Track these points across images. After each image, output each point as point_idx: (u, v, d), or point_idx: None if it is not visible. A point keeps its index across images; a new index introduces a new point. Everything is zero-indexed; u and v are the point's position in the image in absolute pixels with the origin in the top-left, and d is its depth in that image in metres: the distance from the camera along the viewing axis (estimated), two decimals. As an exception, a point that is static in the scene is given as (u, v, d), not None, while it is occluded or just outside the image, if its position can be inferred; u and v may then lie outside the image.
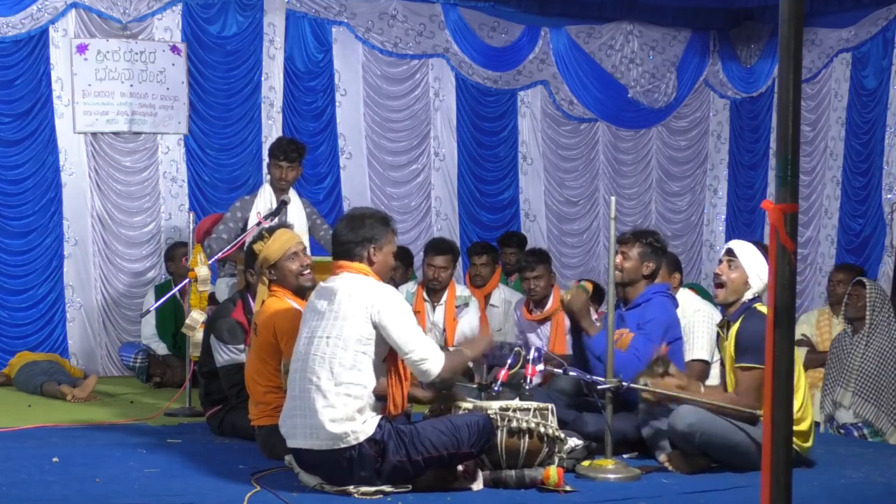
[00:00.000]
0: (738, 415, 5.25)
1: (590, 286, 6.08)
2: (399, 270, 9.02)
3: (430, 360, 4.73)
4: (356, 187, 10.26)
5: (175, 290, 8.02)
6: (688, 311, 6.27)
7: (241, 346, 6.17)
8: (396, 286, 8.44)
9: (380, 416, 4.71)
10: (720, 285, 5.41)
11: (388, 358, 4.82)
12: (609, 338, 5.29)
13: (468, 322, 8.29)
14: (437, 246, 8.37)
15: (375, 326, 4.69)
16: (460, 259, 9.42)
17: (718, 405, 5.27)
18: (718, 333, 5.62)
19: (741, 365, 5.29)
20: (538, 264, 7.78)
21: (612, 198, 5.51)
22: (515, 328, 8.23)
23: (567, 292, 5.94)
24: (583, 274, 10.49)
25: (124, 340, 9.25)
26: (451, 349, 7.54)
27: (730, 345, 5.39)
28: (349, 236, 4.88)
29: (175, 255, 8.78)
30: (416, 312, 7.84)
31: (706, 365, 6.42)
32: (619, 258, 5.77)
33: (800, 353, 7.22)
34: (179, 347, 8.65)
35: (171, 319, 8.83)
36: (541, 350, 5.38)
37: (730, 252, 5.43)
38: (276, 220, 7.34)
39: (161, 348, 8.86)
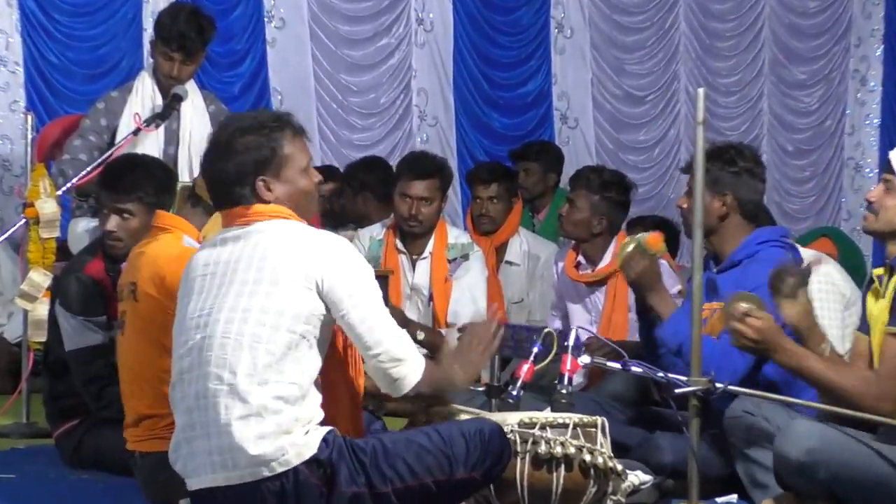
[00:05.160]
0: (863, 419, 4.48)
1: (655, 241, 5.27)
2: (367, 203, 7.66)
3: (407, 364, 3.74)
4: (292, 74, 8.88)
5: (5, 234, 6.67)
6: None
7: (101, 320, 5.37)
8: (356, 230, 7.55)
9: (326, 428, 3.72)
10: (873, 212, 4.77)
11: (332, 344, 3.91)
12: (695, 319, 4.50)
13: (468, 287, 6.92)
14: (416, 164, 7.12)
15: (323, 300, 3.73)
16: (456, 187, 8.82)
17: (833, 410, 4.48)
18: (868, 290, 4.77)
19: (892, 330, 4.44)
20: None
21: (700, 90, 4.73)
22: (554, 295, 6.94)
23: (620, 251, 5.28)
24: (654, 209, 9.14)
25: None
26: (451, 332, 7.25)
27: (887, 302, 4.46)
28: (222, 171, 3.91)
29: None
30: (388, 271, 6.78)
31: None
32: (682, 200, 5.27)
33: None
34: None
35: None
36: (586, 333, 5.04)
37: (889, 168, 4.59)
38: (164, 126, 6.43)
39: None
